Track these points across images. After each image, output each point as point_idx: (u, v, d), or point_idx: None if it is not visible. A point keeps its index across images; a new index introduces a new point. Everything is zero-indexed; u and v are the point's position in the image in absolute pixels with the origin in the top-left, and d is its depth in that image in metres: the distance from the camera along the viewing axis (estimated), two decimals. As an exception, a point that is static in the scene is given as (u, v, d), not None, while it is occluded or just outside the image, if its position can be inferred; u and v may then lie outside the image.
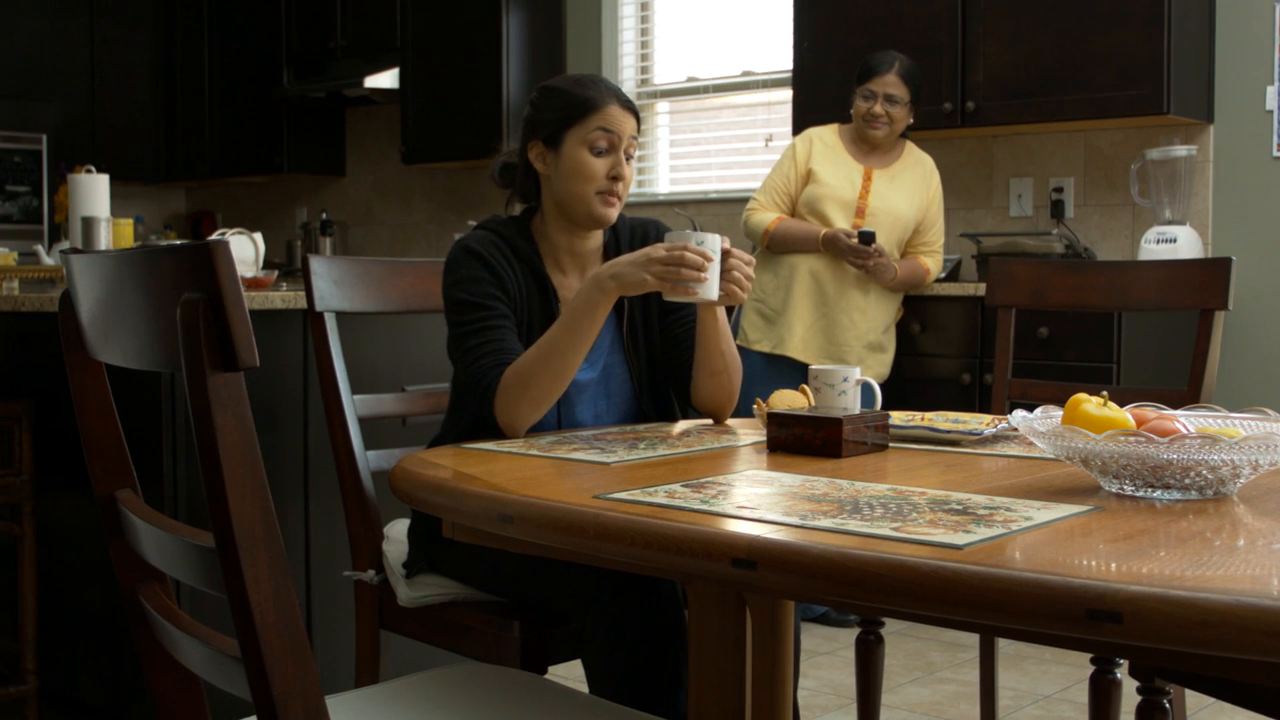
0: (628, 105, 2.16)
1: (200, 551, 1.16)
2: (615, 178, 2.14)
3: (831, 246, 3.94)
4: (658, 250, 1.96)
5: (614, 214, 2.17)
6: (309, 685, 1.10)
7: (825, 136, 4.09)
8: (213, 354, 1.05)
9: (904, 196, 4.03)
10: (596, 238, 2.24)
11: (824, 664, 3.60)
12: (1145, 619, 1.05)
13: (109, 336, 1.28)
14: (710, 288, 1.97)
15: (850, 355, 3.97)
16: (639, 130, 2.19)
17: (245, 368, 1.06)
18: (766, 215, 4.06)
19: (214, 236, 3.24)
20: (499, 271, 2.13)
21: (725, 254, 2.01)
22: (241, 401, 1.07)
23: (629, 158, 2.16)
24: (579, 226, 2.19)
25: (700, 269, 1.95)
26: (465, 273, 2.13)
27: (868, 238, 3.89)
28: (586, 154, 2.13)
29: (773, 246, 4.06)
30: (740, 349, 4.02)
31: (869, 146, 4.05)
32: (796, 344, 4.00)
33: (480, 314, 2.10)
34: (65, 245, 4.22)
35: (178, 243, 2.33)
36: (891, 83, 3.95)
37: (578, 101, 2.14)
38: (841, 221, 3.97)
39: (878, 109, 3.95)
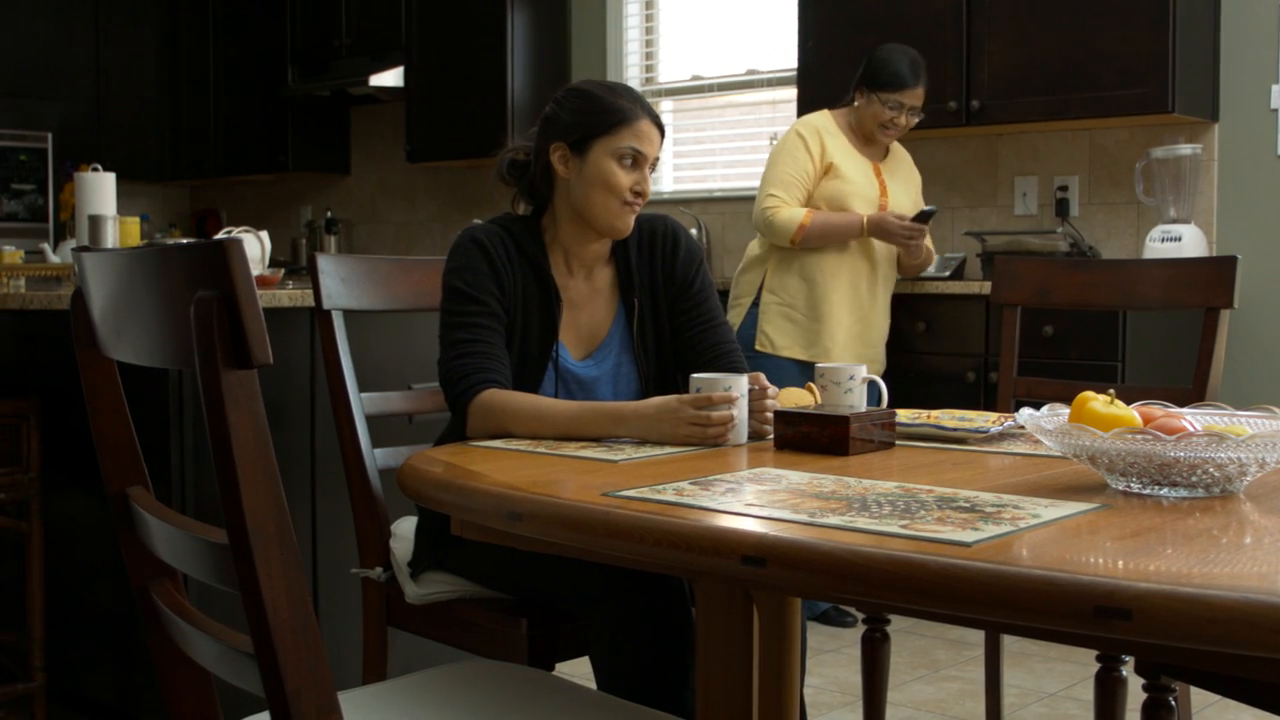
0: (658, 123, 2.17)
1: (213, 548, 1.17)
2: (639, 193, 2.14)
3: (879, 230, 3.82)
4: (686, 410, 1.87)
5: (631, 224, 2.18)
6: (321, 681, 1.11)
7: (827, 127, 3.93)
8: (226, 351, 1.06)
9: (904, 189, 4.03)
10: (605, 241, 2.24)
11: (829, 661, 3.60)
12: (1154, 616, 1.05)
13: (121, 334, 1.29)
14: (739, 431, 1.91)
15: (879, 355, 3.96)
16: (661, 147, 2.19)
17: (259, 365, 1.07)
18: (797, 211, 3.82)
19: (220, 235, 3.24)
20: (499, 267, 2.13)
21: (754, 391, 1.96)
22: (255, 399, 1.08)
23: (650, 172, 2.17)
24: (594, 233, 2.19)
25: (728, 421, 1.88)
26: (466, 262, 2.13)
27: (927, 216, 3.81)
28: (614, 165, 2.12)
29: (807, 242, 3.83)
30: (767, 355, 3.85)
31: (864, 140, 3.95)
32: (839, 351, 3.85)
33: (472, 307, 2.10)
34: (71, 243, 4.23)
35: (185, 241, 2.34)
36: (919, 95, 3.87)
37: (612, 111, 2.13)
38: None
39: (902, 120, 3.87)
